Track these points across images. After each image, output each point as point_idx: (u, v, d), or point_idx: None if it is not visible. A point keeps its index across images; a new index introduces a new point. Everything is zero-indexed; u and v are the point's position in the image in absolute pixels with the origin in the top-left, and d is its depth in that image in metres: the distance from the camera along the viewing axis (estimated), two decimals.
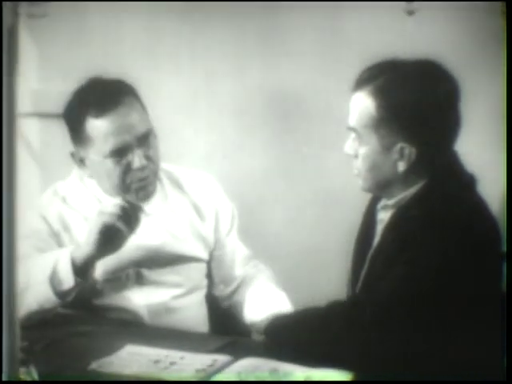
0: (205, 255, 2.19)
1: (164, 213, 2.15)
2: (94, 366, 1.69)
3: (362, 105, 1.78)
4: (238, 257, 2.23)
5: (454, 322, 1.65)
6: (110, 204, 1.90)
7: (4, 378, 1.19)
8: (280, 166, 2.80)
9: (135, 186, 2.07)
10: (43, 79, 2.85)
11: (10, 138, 1.22)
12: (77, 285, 1.91)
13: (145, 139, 2.05)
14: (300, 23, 2.68)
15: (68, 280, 1.90)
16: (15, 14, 1.19)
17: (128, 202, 1.91)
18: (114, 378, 1.65)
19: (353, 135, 1.82)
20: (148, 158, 2.05)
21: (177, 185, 2.20)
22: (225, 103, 2.78)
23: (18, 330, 1.22)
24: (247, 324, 2.10)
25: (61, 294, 1.91)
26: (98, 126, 2.01)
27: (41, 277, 1.90)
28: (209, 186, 2.23)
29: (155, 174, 2.10)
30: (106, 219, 1.87)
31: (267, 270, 2.24)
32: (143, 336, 1.86)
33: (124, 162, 2.03)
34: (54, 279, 1.90)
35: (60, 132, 2.76)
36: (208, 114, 2.71)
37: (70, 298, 1.93)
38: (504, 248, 1.68)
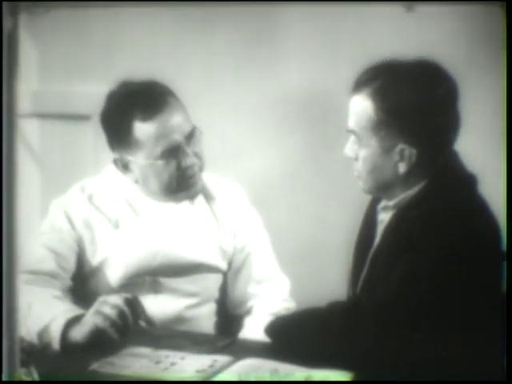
0: (223, 265, 2.16)
1: (188, 218, 2.13)
2: (95, 366, 1.69)
3: (361, 107, 1.77)
4: (255, 272, 2.18)
5: (454, 322, 1.65)
6: (109, 303, 1.79)
7: (4, 378, 1.19)
8: (280, 167, 2.80)
9: (185, 184, 2.05)
10: (43, 80, 2.86)
11: (10, 139, 1.22)
12: (62, 350, 1.80)
13: (192, 136, 2.04)
14: (300, 24, 2.68)
15: (55, 344, 1.80)
16: (15, 15, 1.19)
17: (127, 302, 1.80)
18: (115, 379, 1.65)
19: (352, 137, 1.82)
20: (196, 154, 2.04)
21: (205, 192, 2.17)
22: (225, 105, 2.78)
23: (18, 331, 1.22)
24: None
25: (47, 347, 1.83)
26: (146, 130, 1.98)
27: (33, 325, 1.83)
28: (234, 196, 2.21)
29: (201, 170, 2.08)
30: (99, 322, 1.77)
31: (284, 289, 2.19)
32: (144, 336, 1.86)
33: (174, 161, 2.01)
34: (42, 335, 1.82)
35: (60, 133, 2.76)
36: (208, 116, 2.71)
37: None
38: (504, 248, 1.67)
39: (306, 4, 2.61)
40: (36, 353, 1.76)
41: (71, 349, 1.79)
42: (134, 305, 1.82)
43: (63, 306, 1.87)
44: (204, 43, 2.76)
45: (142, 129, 1.99)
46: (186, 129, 2.02)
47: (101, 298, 1.83)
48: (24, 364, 1.52)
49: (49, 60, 2.84)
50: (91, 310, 1.80)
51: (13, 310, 1.19)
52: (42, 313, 1.84)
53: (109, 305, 1.79)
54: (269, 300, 2.15)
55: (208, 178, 2.19)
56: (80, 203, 2.09)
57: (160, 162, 2.00)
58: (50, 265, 2.01)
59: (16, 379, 1.21)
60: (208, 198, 2.17)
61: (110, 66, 2.64)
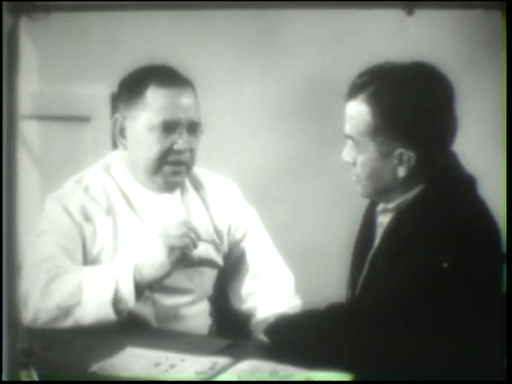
0: (218, 260, 2.16)
1: (181, 211, 2.13)
2: (95, 368, 1.69)
3: (357, 113, 1.77)
4: (254, 268, 2.18)
5: (454, 322, 1.65)
6: (173, 226, 1.92)
7: (4, 379, 1.19)
8: (280, 167, 2.80)
9: (168, 169, 2.06)
10: (43, 81, 2.86)
11: (11, 140, 1.22)
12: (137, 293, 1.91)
13: (195, 128, 2.06)
14: (300, 24, 2.68)
15: (130, 301, 1.89)
16: (15, 16, 1.19)
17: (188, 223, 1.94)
18: (115, 380, 1.65)
19: (350, 143, 1.81)
20: (191, 147, 2.05)
21: (198, 186, 2.18)
22: (225, 104, 2.78)
23: (18, 332, 1.22)
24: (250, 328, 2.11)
25: (120, 313, 1.90)
26: (157, 94, 2.02)
27: (98, 296, 1.89)
28: (228, 192, 2.21)
29: (188, 168, 2.09)
30: (175, 243, 1.89)
31: (289, 285, 2.20)
32: (144, 338, 1.86)
33: (168, 139, 2.03)
34: (115, 300, 1.88)
35: (60, 134, 2.76)
36: (208, 115, 2.71)
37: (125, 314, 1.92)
38: (504, 249, 1.67)
39: (307, 6, 2.61)
40: (36, 354, 1.76)
41: (145, 292, 1.93)
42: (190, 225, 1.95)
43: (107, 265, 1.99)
44: (204, 43, 2.76)
45: (154, 91, 2.02)
46: (193, 117, 2.05)
47: (162, 230, 1.93)
48: (24, 365, 1.52)
49: (49, 61, 2.85)
50: (158, 237, 1.91)
51: (13, 311, 1.19)
52: (99, 282, 1.90)
53: (173, 227, 1.91)
54: (273, 298, 2.15)
55: (202, 173, 2.20)
56: (77, 195, 2.09)
57: (155, 133, 2.02)
58: (62, 261, 2.00)
59: (16, 379, 1.21)
60: (201, 192, 2.18)
61: (109, 68, 2.65)
